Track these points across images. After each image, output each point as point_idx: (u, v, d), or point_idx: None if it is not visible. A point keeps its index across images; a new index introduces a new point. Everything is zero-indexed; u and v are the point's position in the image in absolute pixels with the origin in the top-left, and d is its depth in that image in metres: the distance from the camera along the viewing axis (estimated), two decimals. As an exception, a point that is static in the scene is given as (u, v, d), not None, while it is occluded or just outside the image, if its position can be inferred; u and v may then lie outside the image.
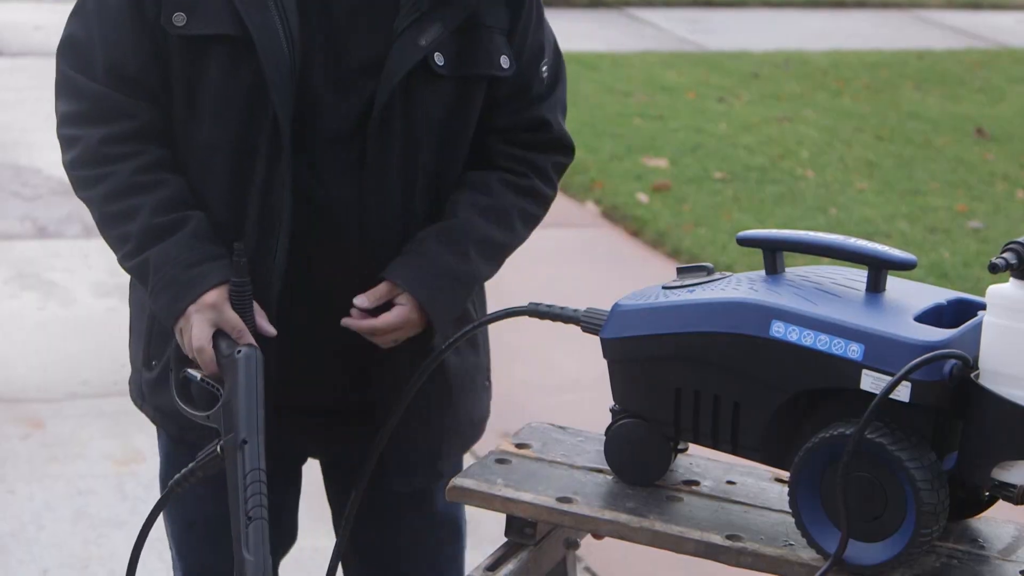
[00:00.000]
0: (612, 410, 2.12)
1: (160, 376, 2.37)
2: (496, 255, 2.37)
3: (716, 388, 1.98)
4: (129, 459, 4.47)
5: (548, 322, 2.16)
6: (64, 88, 2.31)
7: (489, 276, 2.40)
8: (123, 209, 2.24)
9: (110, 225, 2.27)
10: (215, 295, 2.19)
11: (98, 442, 4.55)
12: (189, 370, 2.22)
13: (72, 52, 2.29)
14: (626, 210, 7.09)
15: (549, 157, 2.42)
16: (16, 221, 6.60)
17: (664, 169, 7.82)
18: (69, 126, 2.29)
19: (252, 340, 2.18)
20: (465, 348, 2.43)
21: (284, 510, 2.50)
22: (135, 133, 2.25)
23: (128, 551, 2.18)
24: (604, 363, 2.10)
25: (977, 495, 2.01)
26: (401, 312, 2.27)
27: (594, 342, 2.11)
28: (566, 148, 2.46)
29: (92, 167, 2.26)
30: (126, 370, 2.50)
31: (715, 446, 2.03)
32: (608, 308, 2.09)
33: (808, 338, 1.90)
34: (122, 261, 2.28)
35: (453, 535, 2.56)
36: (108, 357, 5.06)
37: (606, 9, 12.83)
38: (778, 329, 1.92)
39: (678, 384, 2.01)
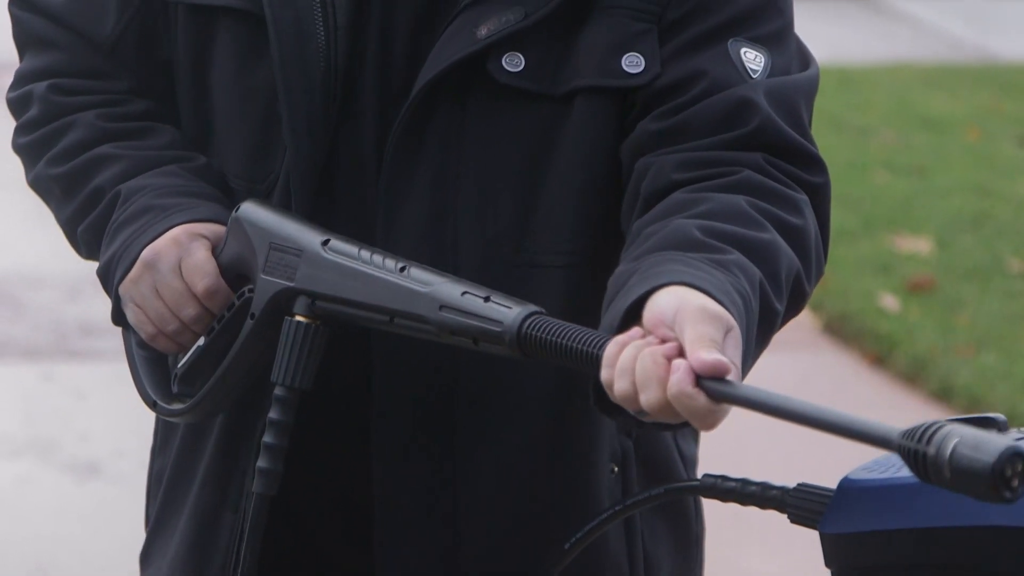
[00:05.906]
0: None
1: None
2: (758, 257, 1.80)
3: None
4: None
5: (735, 506, 1.92)
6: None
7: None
8: (92, 158, 2.05)
9: (75, 186, 2.06)
10: (211, 227, 2.00)
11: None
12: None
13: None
14: (864, 322, 6.41)
15: (760, 155, 1.90)
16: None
17: (926, 256, 7.23)
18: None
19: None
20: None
21: None
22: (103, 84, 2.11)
23: None
24: (826, 574, 1.85)
25: None
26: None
27: (810, 540, 1.84)
28: (800, 152, 1.89)
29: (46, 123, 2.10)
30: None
31: None
32: (832, 484, 1.86)
33: None
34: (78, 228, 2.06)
35: None
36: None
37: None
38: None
39: (956, 616, 1.77)
